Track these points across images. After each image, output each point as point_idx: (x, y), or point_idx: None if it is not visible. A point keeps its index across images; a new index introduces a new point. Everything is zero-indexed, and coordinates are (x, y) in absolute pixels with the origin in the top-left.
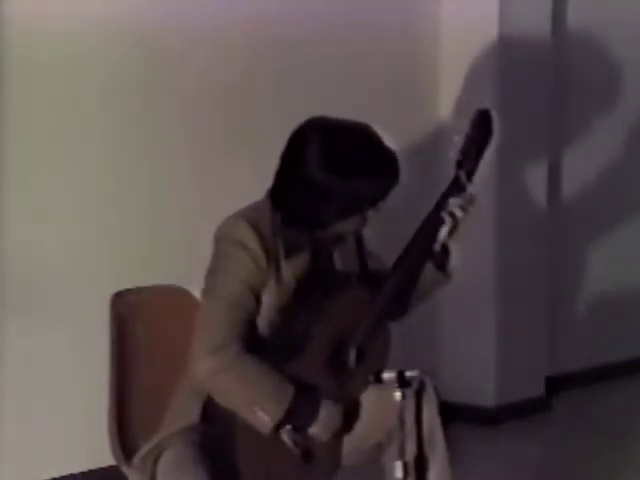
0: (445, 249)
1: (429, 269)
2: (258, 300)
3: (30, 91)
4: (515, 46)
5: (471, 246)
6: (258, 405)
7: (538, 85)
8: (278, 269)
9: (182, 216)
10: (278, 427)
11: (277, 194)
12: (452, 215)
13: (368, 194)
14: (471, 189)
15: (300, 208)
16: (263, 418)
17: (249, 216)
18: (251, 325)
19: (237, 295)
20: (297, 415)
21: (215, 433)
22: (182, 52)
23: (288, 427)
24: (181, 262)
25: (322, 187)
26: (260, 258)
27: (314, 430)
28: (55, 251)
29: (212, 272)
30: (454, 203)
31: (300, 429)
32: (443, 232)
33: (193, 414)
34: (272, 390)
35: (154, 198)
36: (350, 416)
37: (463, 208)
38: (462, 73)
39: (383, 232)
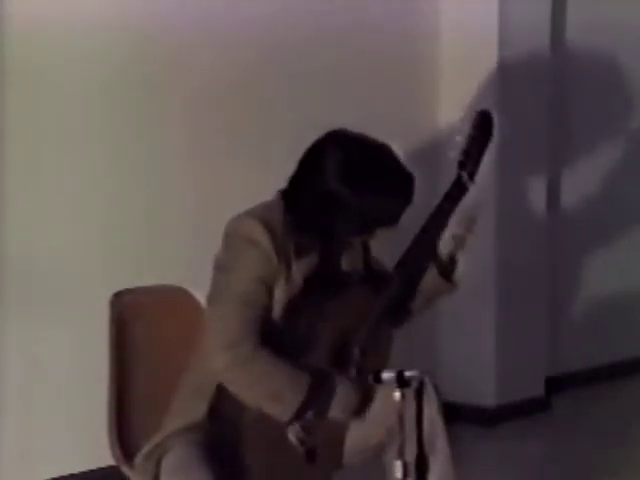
0: (452, 259)
1: (435, 278)
2: (271, 294)
3: (30, 91)
4: (515, 49)
5: (472, 247)
6: (277, 394)
7: (538, 88)
8: (289, 268)
9: (182, 216)
10: (298, 415)
11: (291, 198)
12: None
13: (381, 214)
14: (472, 191)
15: (312, 218)
16: (282, 406)
17: (260, 214)
18: (265, 320)
19: (250, 292)
20: (315, 400)
21: (219, 433)
22: (183, 52)
23: (296, 425)
24: (181, 262)
25: (336, 199)
26: (271, 253)
27: (333, 412)
28: (55, 251)
29: (223, 269)
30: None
31: (309, 425)
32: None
33: (196, 413)
34: (290, 379)
35: (154, 198)
36: (365, 398)
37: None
38: (462, 75)
39: (383, 233)
